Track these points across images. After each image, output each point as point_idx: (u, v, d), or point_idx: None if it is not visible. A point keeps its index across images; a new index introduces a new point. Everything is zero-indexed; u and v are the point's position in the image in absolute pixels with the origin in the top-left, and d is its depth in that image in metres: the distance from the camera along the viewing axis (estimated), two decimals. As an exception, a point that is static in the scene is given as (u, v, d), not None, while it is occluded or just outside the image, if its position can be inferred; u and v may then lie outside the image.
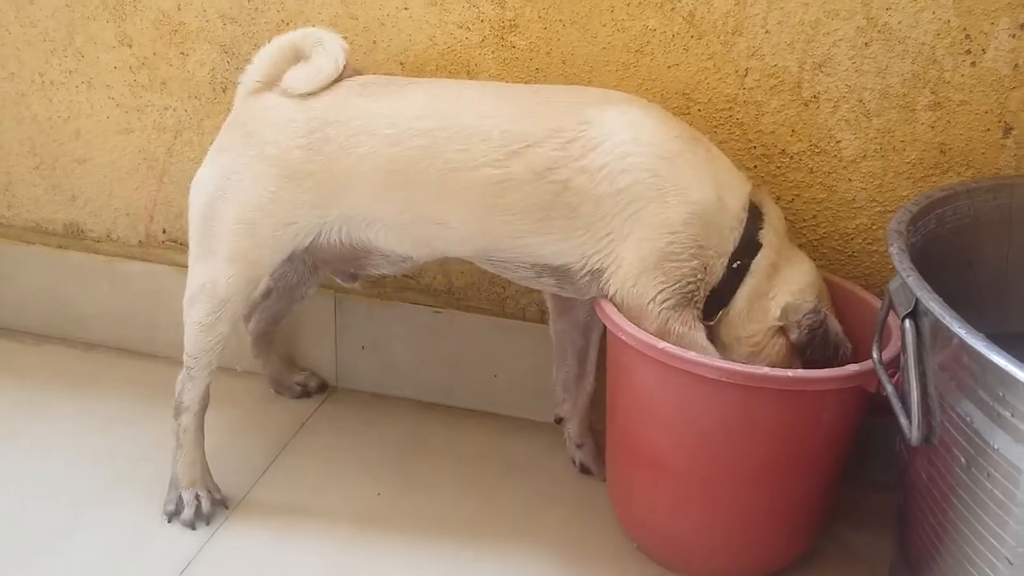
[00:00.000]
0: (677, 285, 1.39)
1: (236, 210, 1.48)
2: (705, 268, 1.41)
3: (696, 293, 1.41)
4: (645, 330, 1.38)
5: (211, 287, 1.51)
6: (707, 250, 1.40)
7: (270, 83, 1.52)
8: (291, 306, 1.84)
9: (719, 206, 1.40)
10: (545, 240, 1.42)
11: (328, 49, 1.50)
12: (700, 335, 1.40)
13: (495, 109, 1.44)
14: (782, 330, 1.44)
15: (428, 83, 1.54)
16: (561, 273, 1.46)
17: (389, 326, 1.92)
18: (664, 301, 1.38)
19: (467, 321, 1.87)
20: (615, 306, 1.42)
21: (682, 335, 1.38)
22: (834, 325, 1.45)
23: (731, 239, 1.42)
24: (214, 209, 1.50)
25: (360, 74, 1.58)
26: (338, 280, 1.71)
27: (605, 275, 1.42)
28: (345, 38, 1.70)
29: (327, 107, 1.47)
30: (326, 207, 1.48)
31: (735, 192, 1.43)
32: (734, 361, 1.42)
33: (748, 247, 1.42)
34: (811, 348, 1.43)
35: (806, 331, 1.43)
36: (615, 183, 1.38)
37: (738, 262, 1.42)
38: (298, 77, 1.49)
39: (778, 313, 1.43)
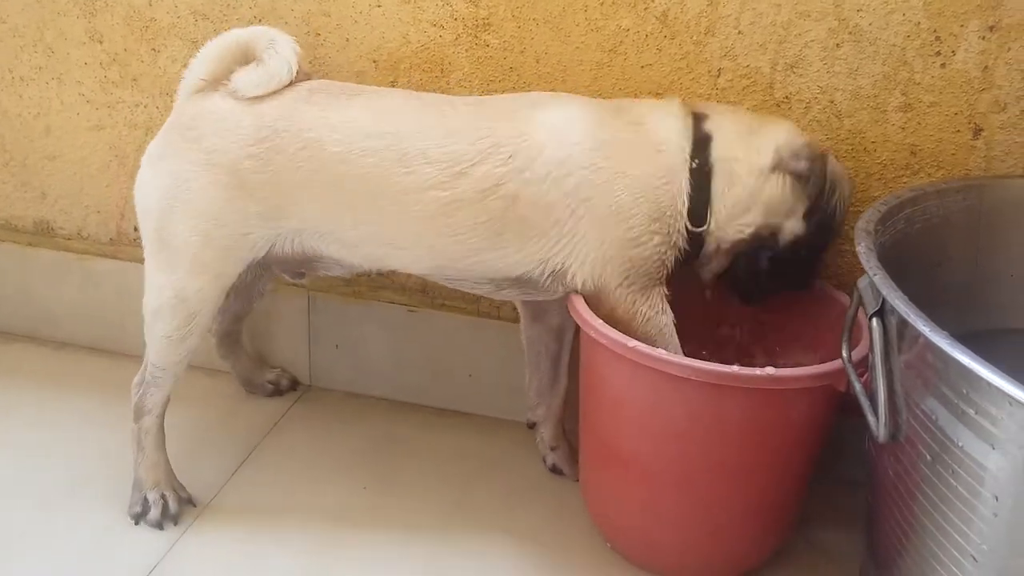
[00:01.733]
0: (643, 267, 1.40)
1: (192, 221, 1.46)
2: (668, 236, 1.41)
3: (662, 271, 1.43)
4: (615, 315, 1.40)
5: (178, 301, 1.48)
6: (663, 218, 1.40)
7: (216, 82, 1.49)
8: (251, 304, 1.83)
9: (657, 156, 1.41)
10: (501, 254, 1.43)
11: (281, 52, 1.47)
12: (667, 318, 1.42)
13: (437, 127, 1.43)
14: (775, 169, 1.42)
15: (374, 94, 1.51)
16: (522, 282, 1.46)
17: (363, 325, 1.92)
18: (631, 285, 1.40)
19: (442, 320, 1.87)
20: (584, 297, 1.43)
21: (649, 318, 1.40)
22: (835, 164, 1.45)
23: (683, 154, 1.42)
24: (168, 219, 1.47)
25: (310, 77, 1.55)
26: (285, 277, 1.70)
27: (569, 273, 1.42)
28: (317, 35, 1.72)
29: (277, 115, 1.44)
30: (279, 219, 1.47)
31: (663, 118, 1.44)
32: (741, 237, 1.44)
33: (700, 144, 1.43)
34: (813, 180, 1.41)
35: (804, 160, 1.41)
36: (562, 186, 1.39)
37: (696, 161, 1.42)
38: (249, 80, 1.46)
39: (769, 158, 1.42)
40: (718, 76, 1.58)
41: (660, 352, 1.32)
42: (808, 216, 1.43)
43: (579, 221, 1.40)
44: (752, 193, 1.42)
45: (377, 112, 1.46)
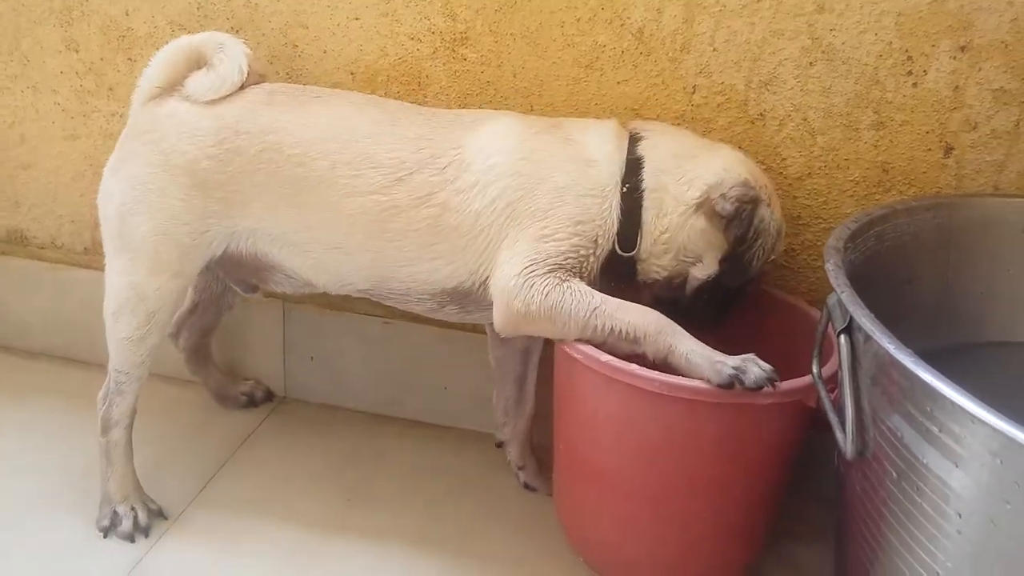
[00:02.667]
0: (550, 259, 1.38)
1: (151, 222, 1.47)
2: (594, 245, 1.40)
3: (577, 269, 1.39)
4: (513, 307, 1.38)
5: (138, 300, 1.49)
6: (587, 223, 1.40)
7: (170, 88, 1.51)
8: (219, 318, 1.83)
9: (587, 169, 1.42)
10: (435, 266, 1.45)
11: (231, 55, 1.50)
12: (568, 286, 1.36)
13: (387, 133, 1.46)
14: (699, 208, 1.41)
15: (332, 99, 1.53)
16: (461, 295, 1.46)
17: (338, 337, 1.91)
18: (532, 272, 1.37)
19: (417, 332, 1.86)
20: (496, 303, 1.41)
21: (548, 292, 1.36)
22: (766, 212, 1.41)
23: (614, 176, 1.42)
24: (126, 221, 1.48)
25: (264, 78, 1.58)
26: (238, 290, 1.71)
27: (490, 279, 1.43)
28: (295, 47, 1.72)
29: (237, 116, 1.47)
30: (236, 217, 1.48)
31: (600, 140, 1.45)
32: (656, 278, 1.44)
33: (632, 167, 1.43)
34: (736, 223, 1.39)
35: (733, 201, 1.39)
36: (487, 194, 1.41)
37: (627, 185, 1.42)
38: (202, 84, 1.49)
39: (698, 193, 1.41)
40: (693, 93, 1.59)
41: (633, 367, 1.32)
42: (723, 260, 1.43)
43: (502, 228, 1.41)
44: (674, 232, 1.42)
45: (334, 116, 1.48)
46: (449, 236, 1.43)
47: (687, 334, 1.33)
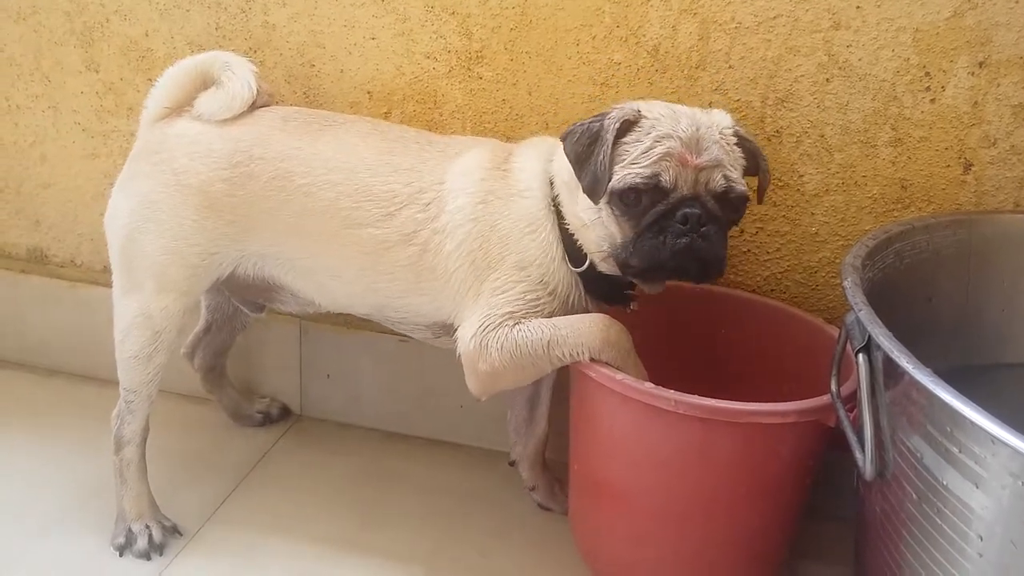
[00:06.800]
0: (500, 309, 1.37)
1: (160, 241, 1.48)
2: (543, 285, 1.38)
3: (529, 311, 1.37)
4: (483, 373, 1.38)
5: (144, 319, 1.50)
6: (529, 267, 1.38)
7: (179, 108, 1.52)
8: (233, 337, 1.83)
9: (521, 203, 1.40)
10: (423, 300, 1.45)
11: (239, 74, 1.50)
12: (519, 329, 1.35)
13: (385, 165, 1.44)
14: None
15: (342, 128, 1.51)
16: (452, 329, 1.45)
17: (355, 355, 1.91)
18: (485, 330, 1.37)
19: (433, 351, 1.84)
20: (465, 371, 1.41)
21: (502, 343, 1.35)
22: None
23: (545, 200, 1.40)
24: (134, 240, 1.49)
25: (273, 97, 1.58)
26: (244, 309, 1.71)
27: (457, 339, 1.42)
28: (312, 66, 1.73)
29: (252, 141, 1.47)
30: (244, 241, 1.49)
31: (526, 161, 1.43)
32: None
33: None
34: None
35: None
36: (455, 238, 1.40)
37: (554, 203, 1.40)
38: (213, 103, 1.49)
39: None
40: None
41: (648, 386, 1.31)
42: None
43: (467, 275, 1.40)
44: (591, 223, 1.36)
45: (341, 146, 1.47)
46: (428, 276, 1.42)
47: (629, 355, 1.35)
